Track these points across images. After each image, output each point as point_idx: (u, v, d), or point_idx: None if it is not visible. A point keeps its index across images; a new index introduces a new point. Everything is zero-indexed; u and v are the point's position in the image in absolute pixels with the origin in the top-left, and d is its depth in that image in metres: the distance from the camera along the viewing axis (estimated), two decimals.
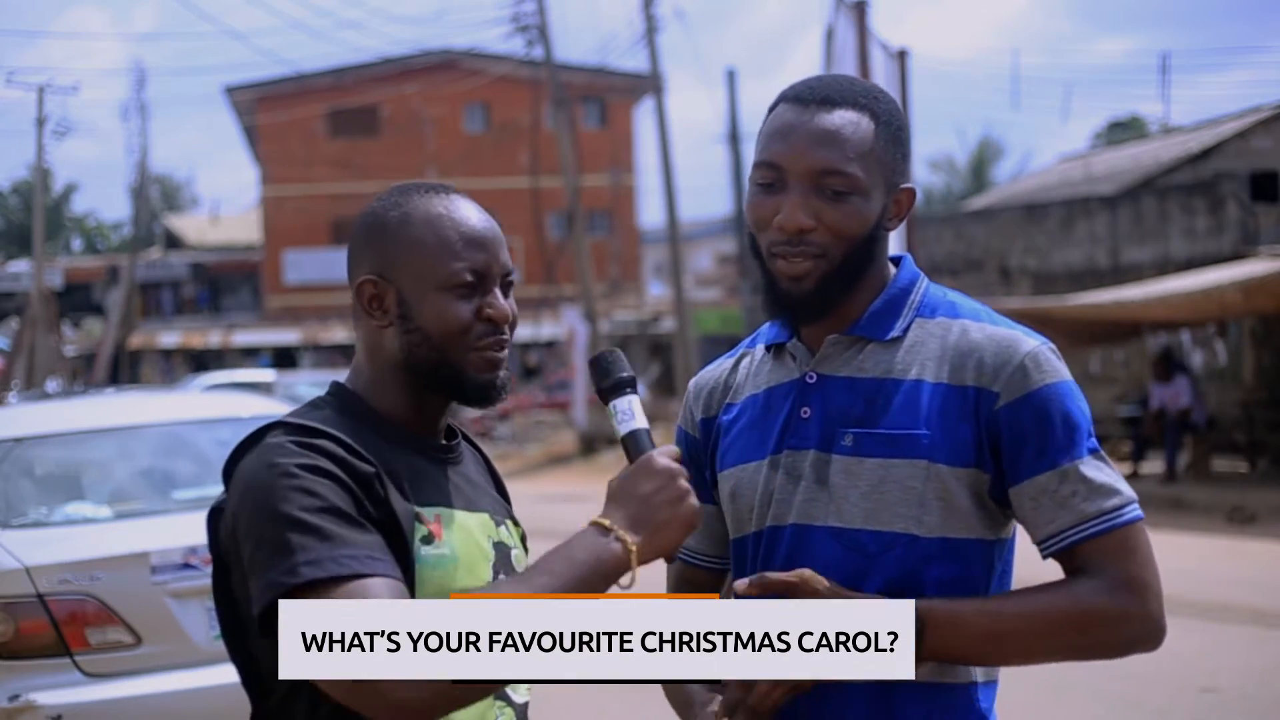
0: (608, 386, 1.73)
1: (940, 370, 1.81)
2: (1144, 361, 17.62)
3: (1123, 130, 43.88)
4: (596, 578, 1.57)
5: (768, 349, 1.96)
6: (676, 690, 1.95)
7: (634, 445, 1.69)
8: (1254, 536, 11.82)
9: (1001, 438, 1.78)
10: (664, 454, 1.66)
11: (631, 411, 1.71)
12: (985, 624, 1.74)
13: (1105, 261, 18.76)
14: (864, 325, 1.86)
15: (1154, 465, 15.81)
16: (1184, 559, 10.30)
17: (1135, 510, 1.79)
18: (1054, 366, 1.80)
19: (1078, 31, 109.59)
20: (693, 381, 2.06)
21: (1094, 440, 1.81)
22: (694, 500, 1.64)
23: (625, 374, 1.73)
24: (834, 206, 1.79)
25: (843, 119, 1.81)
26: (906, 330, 1.85)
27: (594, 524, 1.61)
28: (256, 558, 1.59)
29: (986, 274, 19.72)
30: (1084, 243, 19.12)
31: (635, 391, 1.73)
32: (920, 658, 1.71)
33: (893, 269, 1.91)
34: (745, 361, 1.99)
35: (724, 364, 2.03)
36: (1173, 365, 15.70)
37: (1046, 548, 1.80)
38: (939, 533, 1.79)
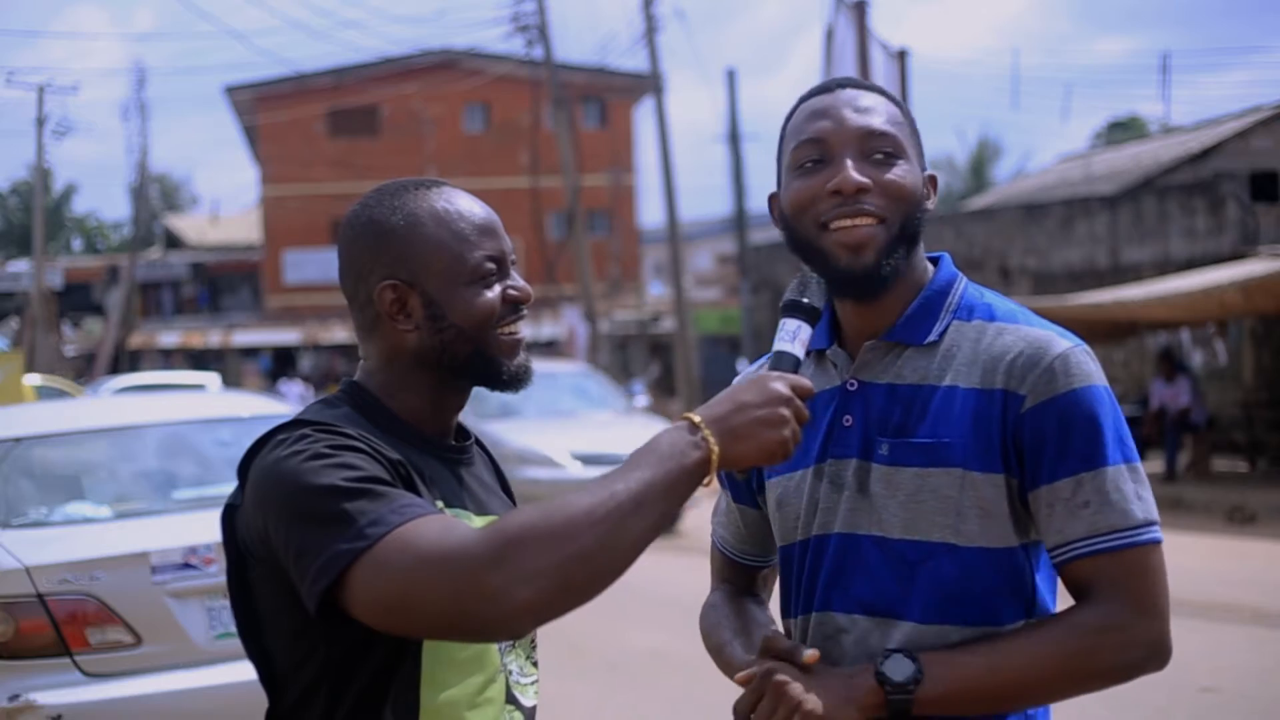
0: (789, 302, 1.73)
1: (973, 375, 1.78)
2: (1144, 361, 17.63)
3: (1123, 130, 43.89)
4: (681, 474, 1.53)
5: (807, 355, 1.92)
6: (711, 634, 1.99)
7: (773, 362, 1.69)
8: (1254, 536, 11.82)
9: (1024, 441, 1.75)
10: (786, 379, 1.61)
11: (793, 335, 1.71)
12: (983, 666, 1.72)
13: (1105, 261, 18.75)
14: (901, 330, 1.84)
15: (1154, 465, 15.81)
16: (1184, 559, 10.30)
17: (1152, 532, 1.74)
18: (1085, 370, 1.75)
19: (1078, 31, 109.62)
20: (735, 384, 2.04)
21: (1127, 450, 1.75)
22: (787, 434, 1.58)
23: (811, 302, 1.73)
24: (884, 169, 1.80)
25: (873, 98, 1.86)
26: (944, 334, 1.83)
27: (685, 417, 1.58)
28: (310, 536, 1.54)
29: (986, 274, 19.71)
30: (1084, 243, 19.11)
31: (810, 323, 1.72)
32: (920, 709, 1.71)
33: (930, 268, 1.89)
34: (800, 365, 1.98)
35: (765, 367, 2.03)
36: (1173, 365, 15.70)
37: (1055, 557, 1.76)
38: (978, 542, 1.76)
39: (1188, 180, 19.40)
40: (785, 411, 1.58)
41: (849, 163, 1.79)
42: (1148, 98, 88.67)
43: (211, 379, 15.43)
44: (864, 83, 1.90)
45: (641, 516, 1.49)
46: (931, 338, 1.83)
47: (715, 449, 1.54)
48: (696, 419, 1.57)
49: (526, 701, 1.79)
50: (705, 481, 1.56)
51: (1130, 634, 1.72)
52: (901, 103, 1.89)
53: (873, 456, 1.81)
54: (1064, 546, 1.75)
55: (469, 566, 1.45)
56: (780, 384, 1.59)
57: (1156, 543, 1.75)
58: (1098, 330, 16.09)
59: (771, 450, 1.58)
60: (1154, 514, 1.76)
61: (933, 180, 1.88)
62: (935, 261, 1.91)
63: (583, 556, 1.46)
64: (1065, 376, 1.74)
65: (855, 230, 1.78)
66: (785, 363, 1.68)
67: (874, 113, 1.83)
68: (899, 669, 1.71)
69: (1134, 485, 1.75)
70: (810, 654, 1.74)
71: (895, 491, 1.78)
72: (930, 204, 1.87)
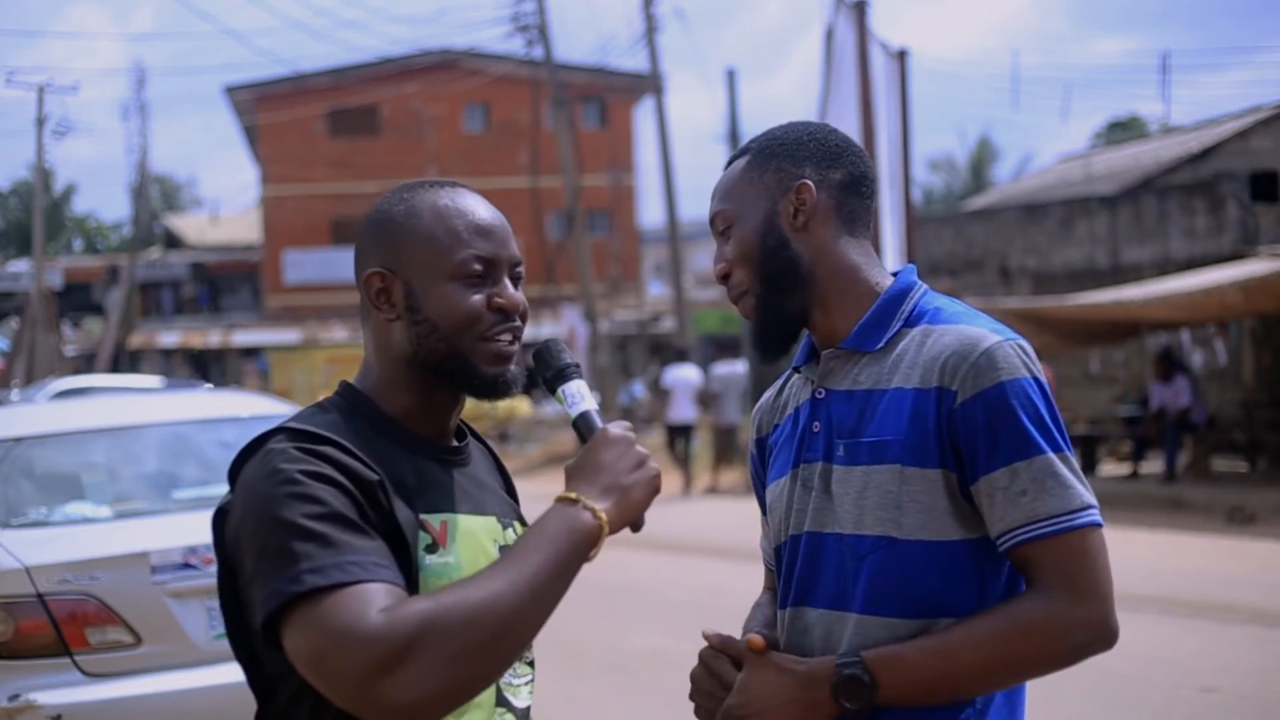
0: (552, 375, 1.79)
1: (914, 376, 1.86)
2: (1144, 361, 17.63)
3: (1123, 130, 43.86)
4: (571, 551, 1.59)
5: (794, 370, 2.07)
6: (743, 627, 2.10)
7: (585, 424, 1.73)
8: (1254, 536, 11.82)
9: (959, 436, 1.81)
10: (617, 426, 1.70)
11: (580, 395, 1.76)
12: (933, 663, 1.78)
13: (1105, 261, 18.75)
14: (854, 339, 1.93)
15: (1154, 465, 15.81)
16: (1184, 559, 10.31)
17: (1089, 516, 1.79)
18: (1011, 363, 1.81)
19: (1077, 31, 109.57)
20: (756, 405, 2.17)
21: (1058, 440, 1.81)
22: (654, 464, 1.69)
23: (568, 360, 1.79)
24: (726, 244, 1.97)
25: (724, 173, 2.02)
26: (893, 340, 1.91)
27: (560, 499, 1.63)
28: (260, 566, 1.58)
29: (986, 274, 19.72)
30: (1084, 243, 19.11)
31: (579, 376, 1.78)
32: (879, 704, 1.80)
33: (891, 279, 1.97)
34: (792, 381, 2.09)
35: (777, 385, 2.13)
36: (1173, 365, 15.69)
37: (1000, 545, 1.82)
38: (918, 535, 1.83)
39: (1188, 180, 19.40)
40: (641, 449, 1.69)
41: (715, 257, 2.00)
42: (1148, 98, 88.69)
43: (154, 381, 15.06)
44: (733, 154, 2.02)
45: (537, 603, 1.56)
46: (880, 344, 1.91)
47: (604, 517, 1.61)
48: (574, 495, 1.63)
49: (519, 702, 1.80)
50: (591, 555, 1.61)
51: (1069, 619, 1.77)
52: (760, 142, 1.99)
53: (833, 458, 1.91)
54: (1006, 534, 1.80)
55: (373, 658, 1.48)
56: (618, 429, 1.70)
57: (1095, 526, 1.80)
58: (1098, 330, 16.11)
59: (655, 486, 1.68)
60: (1090, 499, 1.81)
61: (803, 187, 1.94)
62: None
63: (480, 650, 1.52)
64: (991, 371, 1.80)
65: (740, 307, 1.98)
66: (596, 418, 1.74)
67: (716, 194, 2.00)
68: (856, 696, 1.79)
69: (1068, 472, 1.80)
70: (753, 639, 1.87)
71: (848, 489, 1.88)
72: (799, 220, 1.93)
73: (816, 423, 1.94)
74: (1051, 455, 1.79)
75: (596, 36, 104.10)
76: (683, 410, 17.75)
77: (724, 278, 1.97)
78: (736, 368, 18.68)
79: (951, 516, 1.83)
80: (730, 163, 2.01)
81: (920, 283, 1.97)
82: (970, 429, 1.80)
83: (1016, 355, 1.82)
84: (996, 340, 1.82)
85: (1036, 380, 1.82)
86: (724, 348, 21.08)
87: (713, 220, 1.99)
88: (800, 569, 1.93)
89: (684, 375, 18.22)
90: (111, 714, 4.59)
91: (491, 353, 1.75)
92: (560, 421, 27.00)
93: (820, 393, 1.95)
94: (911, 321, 1.91)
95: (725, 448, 18.34)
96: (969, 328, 1.86)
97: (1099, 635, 1.78)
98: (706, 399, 17.92)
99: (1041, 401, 1.81)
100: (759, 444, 2.12)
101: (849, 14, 15.17)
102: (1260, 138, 20.66)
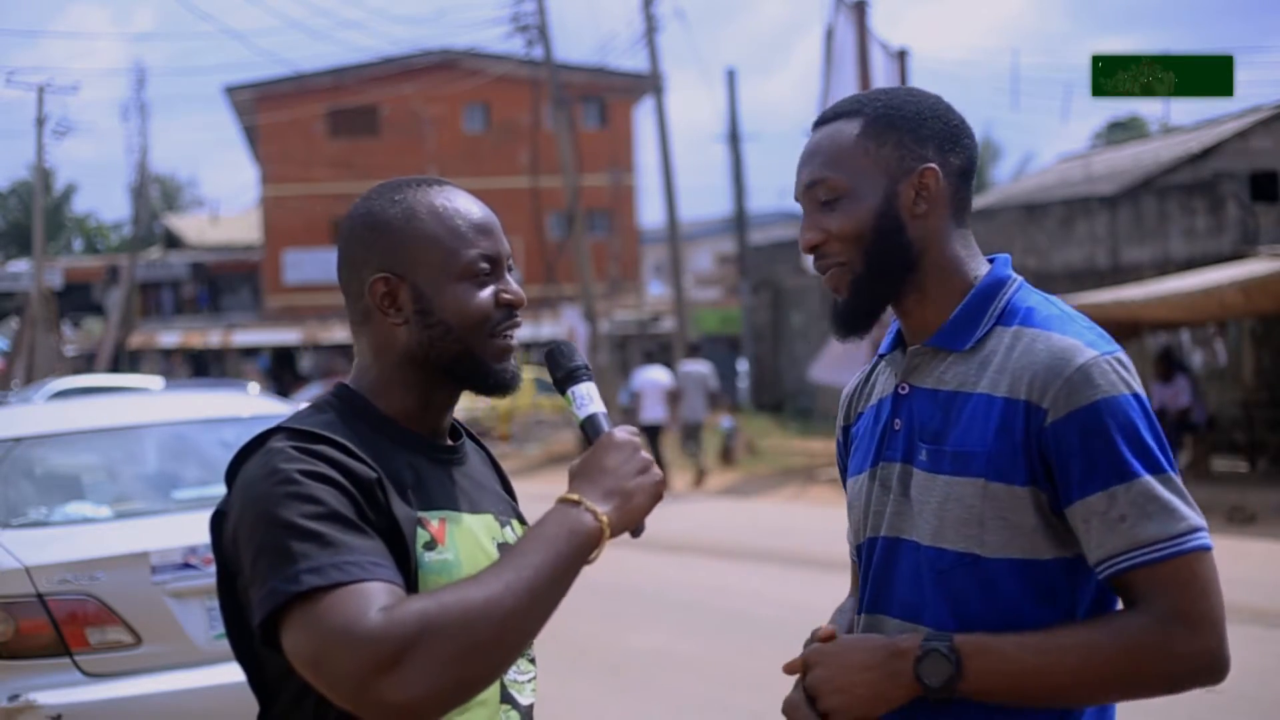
0: (562, 376, 1.78)
1: (1001, 384, 1.76)
2: (1144, 361, 17.62)
3: (1123, 130, 43.85)
4: (572, 553, 1.59)
5: (880, 358, 1.98)
6: None
7: (592, 427, 1.74)
8: (1254, 536, 11.81)
9: (1050, 456, 1.71)
10: (623, 430, 1.70)
11: (589, 397, 1.76)
12: (1025, 659, 1.69)
13: (1105, 261, 18.74)
14: (942, 335, 1.84)
15: None
16: None
17: (1197, 539, 1.69)
18: (1109, 380, 1.71)
19: (1077, 31, 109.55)
20: (844, 391, 2.08)
21: (1159, 460, 1.70)
22: (657, 471, 1.69)
23: (579, 363, 1.78)
24: (828, 215, 1.83)
25: (825, 132, 1.87)
26: (984, 340, 1.81)
27: (562, 500, 1.63)
28: (258, 565, 1.58)
29: None
30: (1084, 243, 19.11)
31: (590, 379, 1.78)
32: (958, 691, 1.71)
33: (984, 270, 1.87)
34: (879, 368, 2.00)
35: (865, 369, 2.05)
36: (1173, 365, 15.69)
37: (1100, 572, 1.72)
38: (1003, 553, 1.74)
39: (1188, 180, 19.39)
40: (646, 454, 1.69)
41: (804, 221, 1.86)
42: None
43: (155, 381, 14.98)
44: (838, 108, 1.89)
45: (536, 604, 1.56)
46: (970, 344, 1.81)
47: (605, 520, 1.61)
48: (576, 497, 1.63)
49: (523, 700, 1.80)
50: (591, 557, 1.61)
51: (1175, 646, 1.67)
52: (872, 107, 1.85)
53: (914, 461, 1.82)
54: (1106, 561, 1.70)
55: (372, 658, 1.48)
56: (624, 433, 1.69)
57: (1204, 550, 1.69)
58: None
59: (657, 492, 1.67)
60: (1198, 520, 1.70)
61: (928, 173, 1.82)
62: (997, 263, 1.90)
63: (479, 651, 1.52)
64: (1087, 389, 1.70)
65: (828, 278, 1.86)
66: (603, 421, 1.74)
67: (816, 156, 1.85)
68: (936, 672, 1.71)
69: (1170, 494, 1.69)
70: (822, 629, 1.82)
71: (929, 498, 1.79)
72: (921, 207, 1.82)
73: (898, 420, 1.85)
74: (1150, 478, 1.68)
75: (596, 36, 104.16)
76: (652, 411, 18.09)
77: (814, 247, 1.84)
78: (700, 367, 19.04)
79: (1042, 534, 1.73)
80: (826, 122, 1.87)
81: (1014, 276, 1.87)
82: (1062, 450, 1.70)
83: (1114, 371, 1.71)
84: (1093, 355, 1.72)
85: (1136, 397, 1.71)
86: (694, 349, 21.23)
87: (812, 186, 1.84)
88: (876, 574, 1.85)
89: (652, 377, 18.74)
90: (111, 714, 4.59)
91: (499, 349, 1.77)
92: (560, 422, 27.02)
93: (904, 388, 1.86)
94: (1004, 320, 1.81)
95: (693, 444, 18.52)
96: (1064, 338, 1.75)
97: (1208, 666, 1.69)
98: (675, 397, 18.20)
99: (1141, 420, 1.70)
100: (844, 431, 2.03)
101: (849, 14, 15.17)
102: (1260, 138, 20.65)
